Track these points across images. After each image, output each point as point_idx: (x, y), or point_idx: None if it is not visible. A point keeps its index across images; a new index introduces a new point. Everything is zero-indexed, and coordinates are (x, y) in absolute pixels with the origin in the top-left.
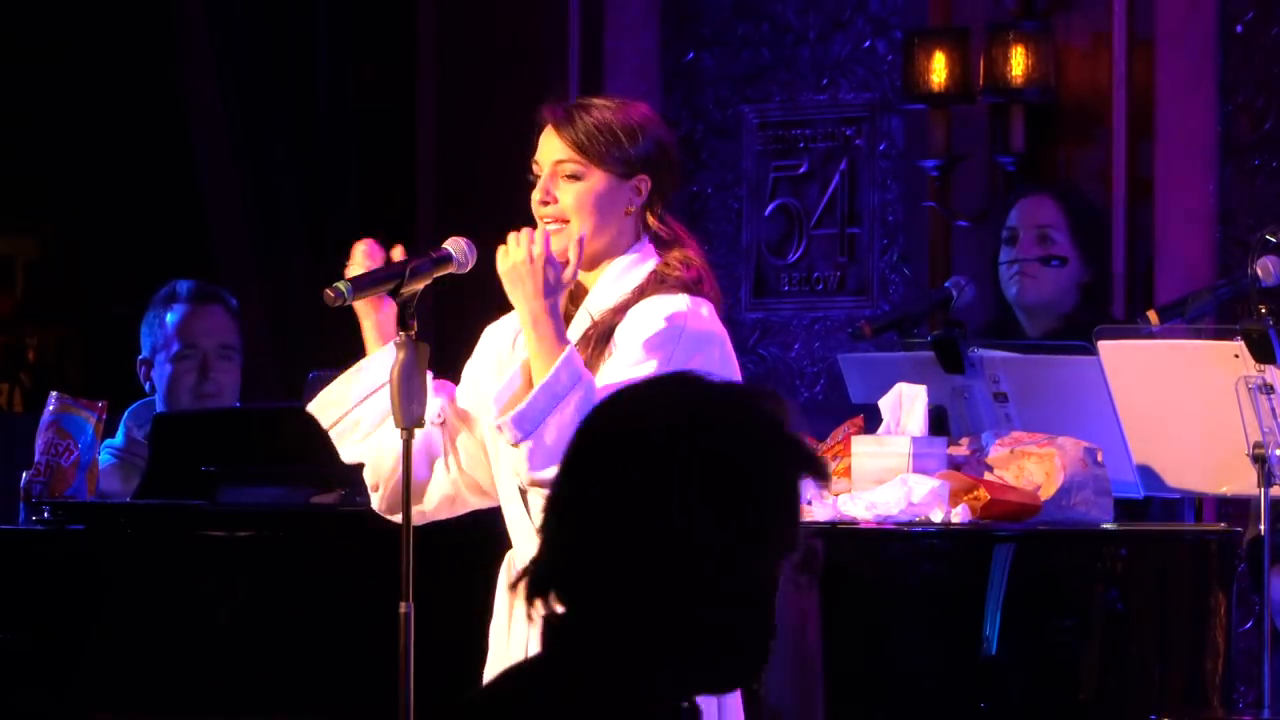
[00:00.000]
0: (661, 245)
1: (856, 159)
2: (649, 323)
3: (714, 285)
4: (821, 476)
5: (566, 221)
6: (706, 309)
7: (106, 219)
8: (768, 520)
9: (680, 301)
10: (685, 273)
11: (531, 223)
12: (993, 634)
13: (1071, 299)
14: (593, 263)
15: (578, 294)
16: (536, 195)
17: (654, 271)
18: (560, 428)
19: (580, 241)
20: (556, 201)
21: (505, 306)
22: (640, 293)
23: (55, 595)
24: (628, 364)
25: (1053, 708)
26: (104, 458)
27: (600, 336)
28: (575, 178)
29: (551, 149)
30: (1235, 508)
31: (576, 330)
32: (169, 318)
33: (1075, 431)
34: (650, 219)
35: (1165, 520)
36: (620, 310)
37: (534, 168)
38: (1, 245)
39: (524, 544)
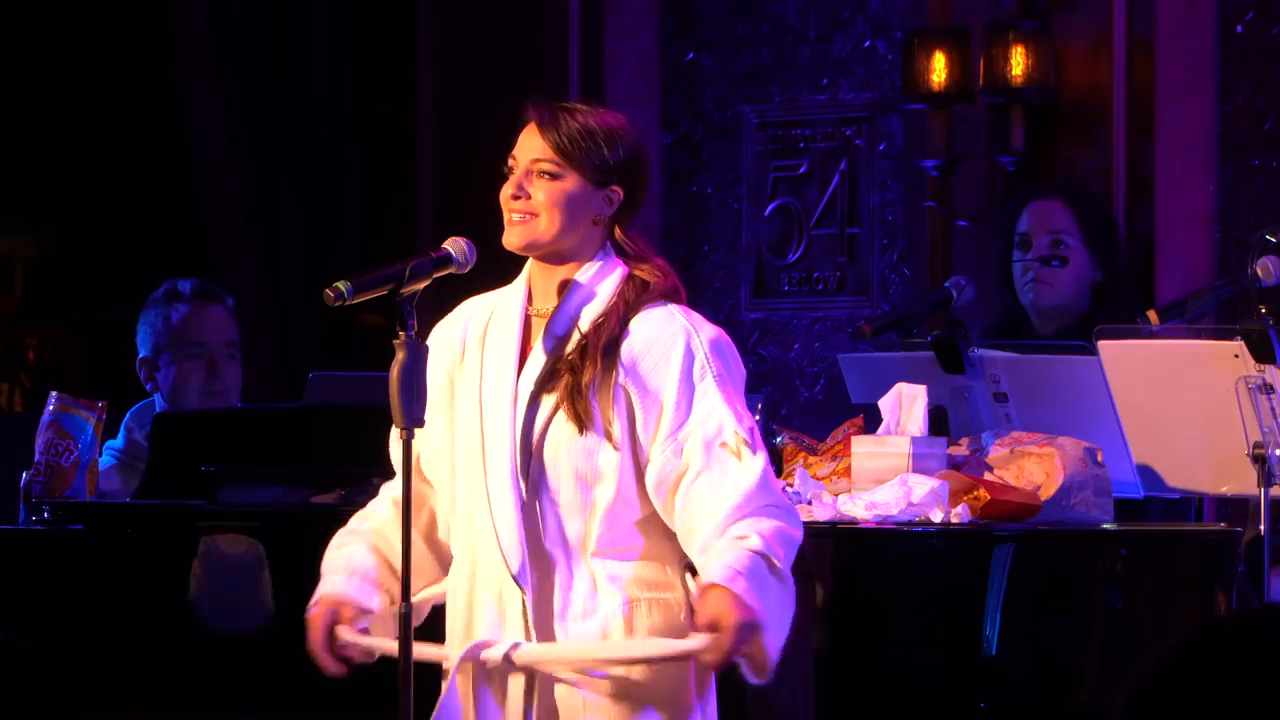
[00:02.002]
0: (625, 257)
1: (856, 159)
2: (687, 361)
3: (684, 294)
4: None
5: (536, 215)
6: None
7: (106, 219)
8: None
9: (679, 319)
10: (664, 280)
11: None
12: (993, 634)
13: (1085, 299)
14: (556, 261)
15: (544, 293)
16: (508, 190)
17: (631, 278)
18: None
19: None
20: (530, 197)
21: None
22: (625, 301)
23: (55, 595)
24: (718, 412)
25: (1053, 708)
26: (104, 459)
27: (604, 346)
28: (551, 177)
29: (531, 147)
30: (1235, 508)
31: (558, 341)
32: (173, 316)
33: (1075, 431)
34: (617, 231)
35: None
36: (613, 319)
37: (510, 161)
38: (1, 245)
39: (485, 551)
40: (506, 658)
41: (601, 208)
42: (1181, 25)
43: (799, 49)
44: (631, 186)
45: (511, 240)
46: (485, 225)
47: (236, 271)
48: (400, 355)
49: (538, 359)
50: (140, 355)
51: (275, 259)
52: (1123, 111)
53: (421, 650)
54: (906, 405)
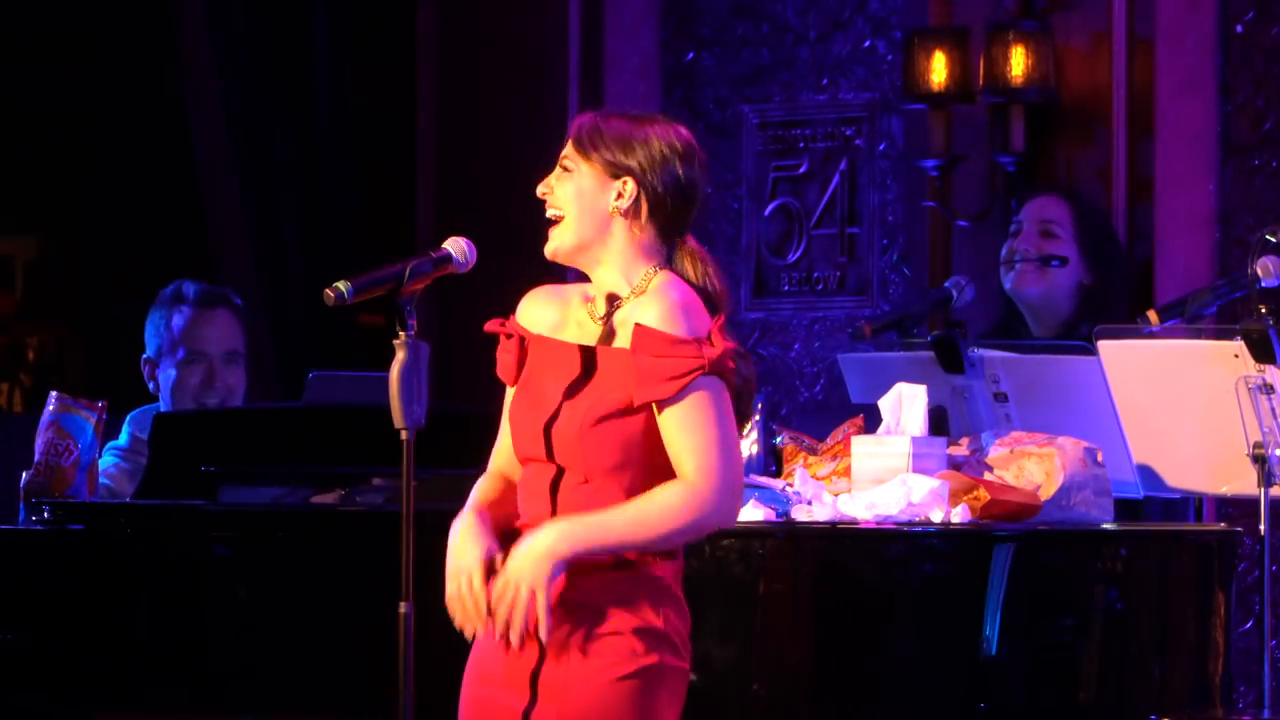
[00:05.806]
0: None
1: (856, 159)
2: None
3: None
4: None
5: (561, 218)
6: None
7: (107, 219)
8: None
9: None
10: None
11: (533, 219)
12: (993, 634)
13: (1071, 300)
14: (581, 254)
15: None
16: (540, 189)
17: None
18: None
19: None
20: (553, 192)
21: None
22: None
23: (55, 595)
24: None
25: (1053, 708)
26: (109, 460)
27: None
28: (568, 171)
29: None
30: (1235, 508)
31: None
32: (175, 321)
33: (1075, 431)
34: (634, 229)
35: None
36: None
37: None
38: (1, 245)
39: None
40: None
41: (613, 199)
42: (1181, 25)
43: (799, 49)
44: (646, 184)
45: (546, 249)
46: (485, 225)
47: (236, 272)
48: (400, 355)
49: None
50: (145, 354)
51: (275, 259)
52: (1123, 111)
53: None
54: (906, 405)
